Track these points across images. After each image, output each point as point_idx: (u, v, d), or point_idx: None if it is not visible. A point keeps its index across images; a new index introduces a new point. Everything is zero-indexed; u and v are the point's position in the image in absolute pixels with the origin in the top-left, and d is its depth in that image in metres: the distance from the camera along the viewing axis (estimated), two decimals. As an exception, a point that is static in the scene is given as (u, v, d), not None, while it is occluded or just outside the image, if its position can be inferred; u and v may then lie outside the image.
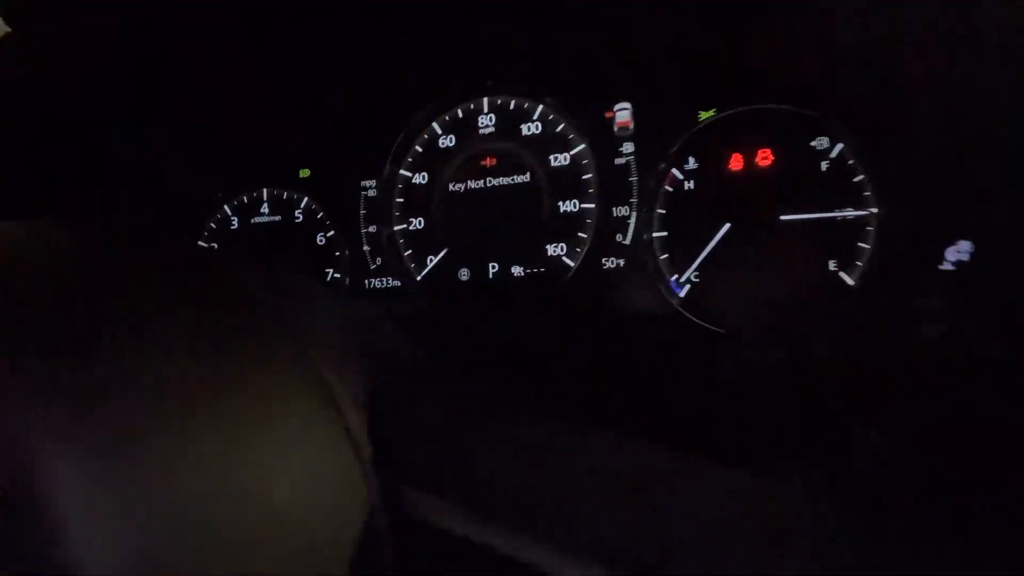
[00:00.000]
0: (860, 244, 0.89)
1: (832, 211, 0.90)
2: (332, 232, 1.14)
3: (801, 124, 0.92)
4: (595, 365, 0.97)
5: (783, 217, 0.91)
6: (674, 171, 0.97)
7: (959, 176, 0.79)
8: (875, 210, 0.88)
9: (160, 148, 1.18)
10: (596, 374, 0.96)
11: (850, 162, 0.90)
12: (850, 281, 0.89)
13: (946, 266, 0.78)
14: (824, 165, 0.91)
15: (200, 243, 1.19)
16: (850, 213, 0.89)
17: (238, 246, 1.16)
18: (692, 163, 0.97)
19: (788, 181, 0.92)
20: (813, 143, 0.91)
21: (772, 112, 0.94)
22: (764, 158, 0.93)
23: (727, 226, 0.93)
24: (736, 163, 0.94)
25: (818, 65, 0.90)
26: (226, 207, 1.18)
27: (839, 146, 0.90)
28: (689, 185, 0.97)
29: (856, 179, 0.89)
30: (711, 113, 0.97)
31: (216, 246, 1.18)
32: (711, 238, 0.94)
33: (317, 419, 0.35)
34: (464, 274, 1.08)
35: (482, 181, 1.08)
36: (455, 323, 1.08)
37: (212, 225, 1.19)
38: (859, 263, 0.89)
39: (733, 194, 0.94)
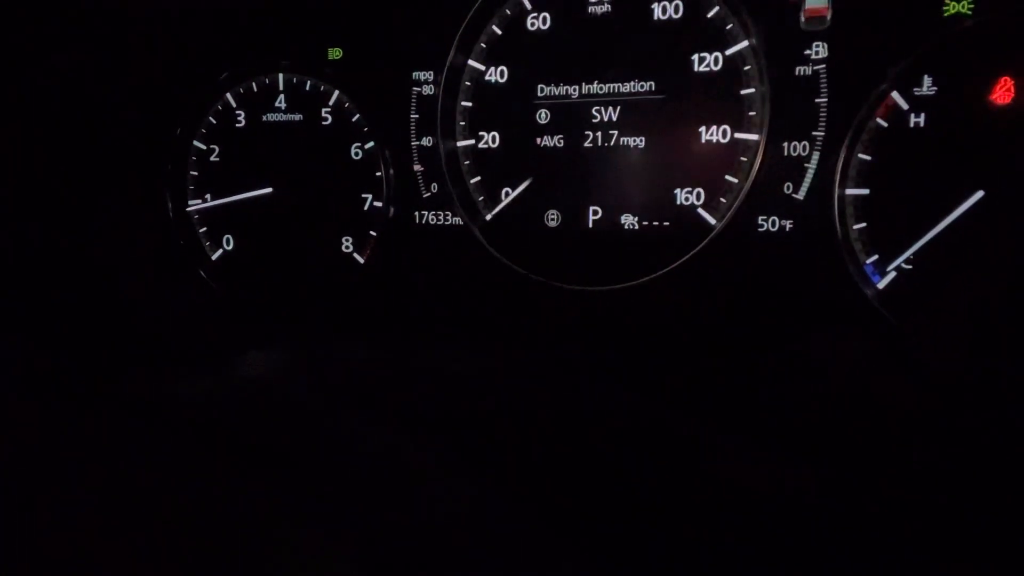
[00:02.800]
0: None
1: None
2: (372, 143, 0.83)
3: None
4: (737, 369, 0.68)
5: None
6: (896, 96, 0.64)
7: None
8: None
9: (148, 7, 0.85)
10: (740, 385, 0.67)
11: None
12: None
13: None
14: None
15: (197, 143, 0.89)
16: None
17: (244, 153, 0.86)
18: (928, 86, 0.63)
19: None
20: None
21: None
22: (1053, 88, 0.59)
23: (980, 194, 0.60)
24: (1004, 93, 0.60)
25: None
26: (229, 96, 0.87)
27: None
28: (918, 120, 0.64)
29: None
30: (966, 6, 0.61)
31: (217, 149, 0.88)
32: (949, 210, 0.61)
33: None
34: (552, 218, 0.78)
35: (588, 86, 0.75)
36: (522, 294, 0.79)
37: (212, 120, 0.88)
38: None
39: (993, 143, 0.60)
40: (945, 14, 0.63)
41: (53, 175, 0.87)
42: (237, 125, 0.88)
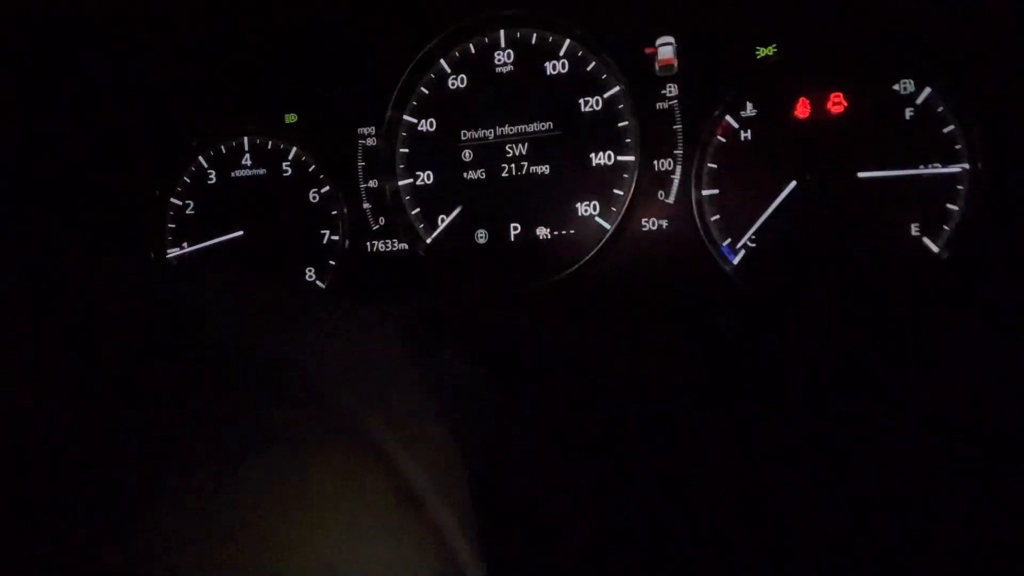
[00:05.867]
0: (948, 206, 0.77)
1: (917, 167, 0.78)
2: (327, 188, 0.99)
3: (881, 64, 0.79)
4: (634, 338, 0.86)
5: (860, 175, 0.79)
6: (728, 118, 0.84)
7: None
8: (967, 166, 0.77)
9: (127, 89, 1.01)
10: (636, 348, 0.85)
11: (939, 109, 0.78)
12: (935, 248, 0.78)
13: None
14: (908, 113, 0.78)
15: (174, 200, 1.04)
16: (937, 170, 0.77)
17: (217, 204, 1.01)
18: (750, 109, 0.84)
19: (865, 131, 0.79)
20: (896, 87, 0.79)
21: (845, 50, 0.80)
22: (836, 104, 0.80)
23: (793, 184, 0.81)
24: (803, 109, 0.82)
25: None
26: (201, 159, 1.03)
27: (927, 91, 0.78)
28: (746, 135, 0.84)
29: (946, 130, 0.77)
30: (771, 50, 0.83)
31: (191, 203, 1.03)
32: (773, 198, 0.82)
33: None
34: (481, 236, 0.95)
35: (501, 129, 0.94)
36: (469, 292, 0.95)
37: (187, 180, 1.03)
38: (946, 227, 0.78)
39: (800, 146, 0.82)
40: (758, 56, 0.85)
41: (42, 229, 1.00)
42: (209, 182, 1.04)
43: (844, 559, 0.63)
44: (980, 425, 0.67)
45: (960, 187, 0.77)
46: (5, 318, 0.30)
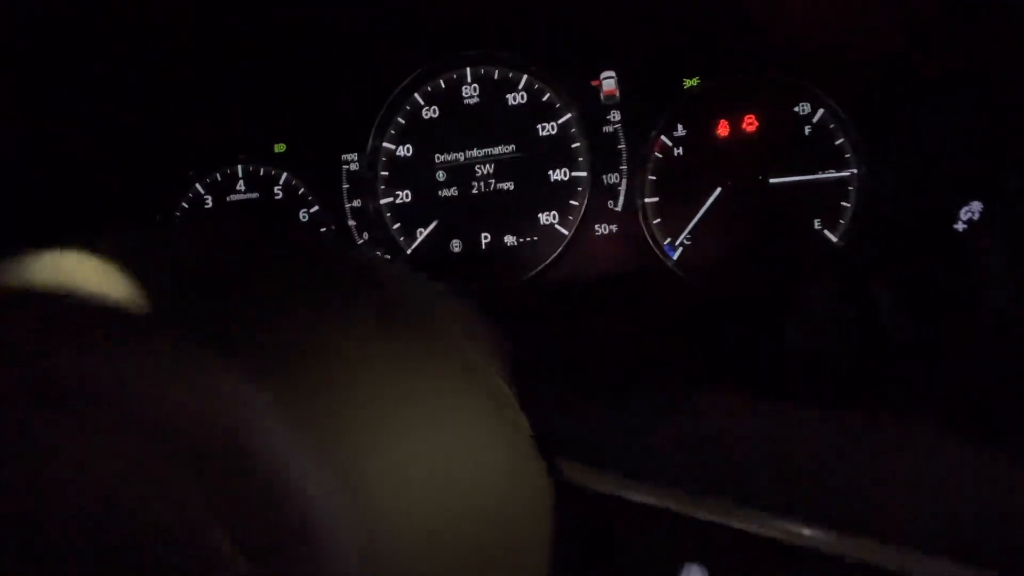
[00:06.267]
0: (843, 203, 0.95)
1: (816, 173, 0.95)
2: (316, 208, 1.12)
3: (784, 90, 0.97)
4: (595, 325, 1.01)
5: (771, 180, 0.96)
6: (663, 138, 1.01)
7: (958, 137, 0.85)
8: (855, 171, 0.95)
9: (125, 123, 1.12)
10: (598, 334, 0.99)
11: (831, 126, 0.95)
12: (834, 239, 0.95)
13: (959, 226, 0.85)
14: (807, 129, 0.96)
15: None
16: (832, 175, 0.95)
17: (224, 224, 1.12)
18: (681, 130, 1.00)
19: (774, 145, 0.97)
20: (796, 108, 0.96)
21: (755, 79, 0.98)
22: (750, 124, 0.97)
23: (718, 190, 0.97)
24: (723, 129, 0.99)
25: (798, 31, 0.95)
26: (198, 185, 1.14)
27: (821, 111, 0.96)
28: (679, 151, 1.00)
29: (837, 142, 0.95)
30: (695, 81, 1.00)
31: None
32: (703, 202, 0.98)
33: (489, 409, 0.37)
34: (456, 246, 1.09)
35: (469, 152, 1.08)
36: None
37: (184, 205, 1.14)
38: (842, 221, 0.95)
39: (722, 159, 0.98)
40: (685, 86, 1.02)
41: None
42: (206, 206, 1.15)
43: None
44: (867, 383, 0.84)
45: (851, 188, 0.95)
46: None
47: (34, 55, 0.97)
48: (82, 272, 0.30)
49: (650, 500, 0.37)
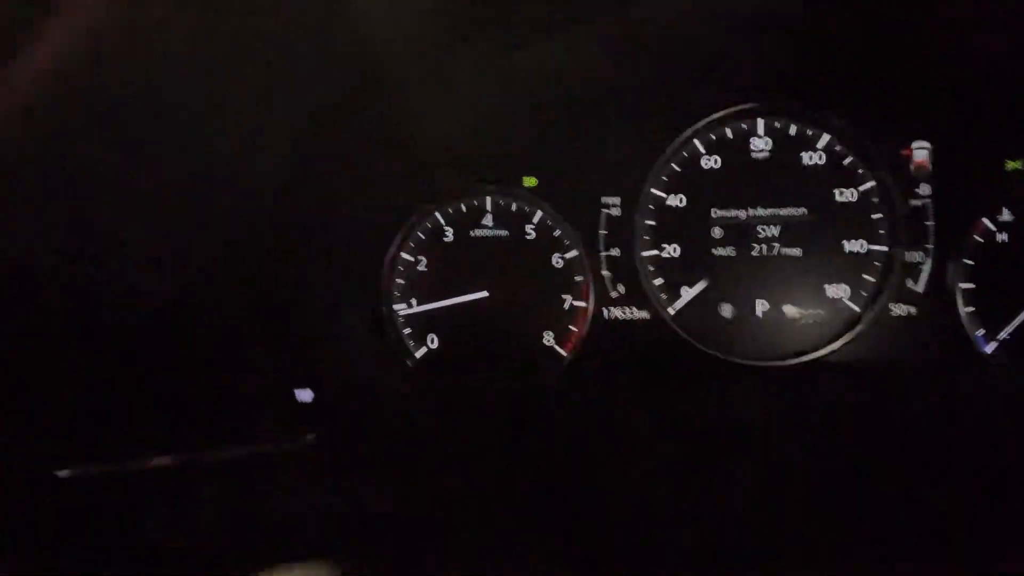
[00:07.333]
0: None
1: None
2: (573, 253, 1.00)
3: None
4: (889, 415, 0.92)
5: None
6: (985, 221, 0.93)
7: None
8: None
9: (361, 146, 0.98)
10: (895, 426, 0.91)
11: None
12: None
13: None
14: None
15: (405, 255, 1.01)
16: None
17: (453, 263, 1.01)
18: (1007, 215, 0.93)
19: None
20: None
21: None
22: (1089, 217, 0.91)
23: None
24: (1059, 219, 0.92)
25: None
26: (438, 215, 1.01)
27: None
28: (1003, 238, 0.93)
29: None
30: (1020, 164, 0.93)
31: (424, 260, 1.01)
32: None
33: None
34: (726, 311, 0.99)
35: (752, 210, 0.99)
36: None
37: (420, 235, 1.01)
38: None
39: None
40: (1007, 168, 0.95)
41: (282, 279, 0.95)
42: (444, 239, 1.02)
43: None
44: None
45: None
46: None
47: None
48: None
49: None
